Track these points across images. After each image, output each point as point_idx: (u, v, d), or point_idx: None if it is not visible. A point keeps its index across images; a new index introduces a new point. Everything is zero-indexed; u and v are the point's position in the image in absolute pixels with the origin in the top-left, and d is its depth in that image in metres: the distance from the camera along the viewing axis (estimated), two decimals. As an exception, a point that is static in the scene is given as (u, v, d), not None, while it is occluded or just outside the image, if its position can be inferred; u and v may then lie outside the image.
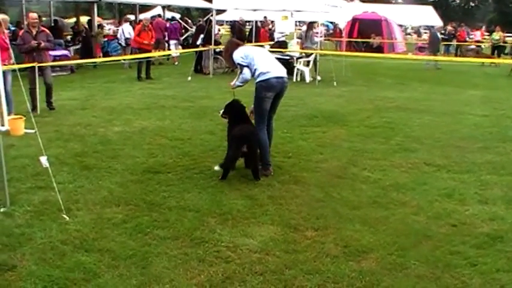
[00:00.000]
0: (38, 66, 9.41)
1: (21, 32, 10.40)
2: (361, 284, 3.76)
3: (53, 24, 19.06)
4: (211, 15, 16.70)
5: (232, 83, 6.36)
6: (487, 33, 31.69)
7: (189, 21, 26.63)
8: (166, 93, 12.51)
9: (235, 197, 5.38)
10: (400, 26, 33.92)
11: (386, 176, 6.25)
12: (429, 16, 39.41)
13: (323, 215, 4.98)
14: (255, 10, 17.84)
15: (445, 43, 25.52)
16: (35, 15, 9.97)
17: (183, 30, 22.71)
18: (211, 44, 15.93)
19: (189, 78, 15.12)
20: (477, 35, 30.41)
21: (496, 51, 24.78)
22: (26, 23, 12.20)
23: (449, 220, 4.94)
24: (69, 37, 19.72)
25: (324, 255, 4.17)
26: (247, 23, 24.85)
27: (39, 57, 9.51)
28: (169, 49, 20.29)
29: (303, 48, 16.33)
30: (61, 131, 8.18)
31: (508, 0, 56.26)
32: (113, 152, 7.02)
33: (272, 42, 19.57)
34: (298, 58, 15.97)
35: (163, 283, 3.69)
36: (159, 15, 22.04)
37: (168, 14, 26.36)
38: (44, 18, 17.12)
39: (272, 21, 24.36)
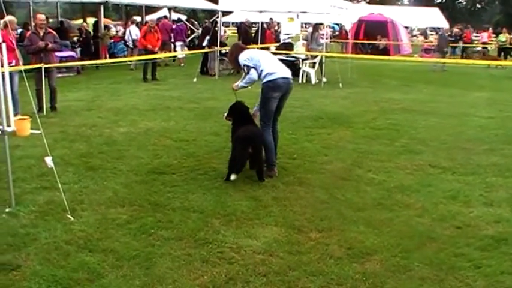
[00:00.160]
0: (44, 68, 9.46)
1: (28, 33, 10.46)
2: (365, 285, 3.76)
3: (59, 26, 19.14)
4: (218, 17, 16.73)
5: (235, 85, 6.36)
6: (494, 35, 31.55)
7: (196, 22, 26.68)
8: (172, 94, 12.54)
9: (240, 198, 5.39)
10: (406, 27, 33.87)
11: (391, 178, 6.24)
12: (435, 18, 39.38)
13: (327, 217, 4.98)
14: (261, 12, 17.81)
15: (452, 45, 25.42)
16: (42, 16, 10.04)
17: (189, 32, 22.74)
18: (217, 46, 15.95)
19: (195, 79, 15.15)
20: (484, 36, 30.29)
21: (502, 53, 24.67)
22: (33, 24, 12.25)
23: (454, 222, 4.93)
24: (75, 38, 19.78)
25: (328, 256, 4.16)
26: (253, 25, 24.85)
27: (46, 58, 9.56)
28: (175, 50, 20.33)
29: (308, 50, 16.33)
30: (66, 131, 8.21)
31: (514, 1, 56.02)
32: (118, 153, 7.04)
33: (278, 44, 19.56)
34: (303, 60, 15.97)
35: (167, 283, 3.70)
36: (165, 17, 22.09)
37: (174, 16, 26.42)
38: (50, 20, 17.20)
39: (278, 23, 24.32)
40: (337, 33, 31.38)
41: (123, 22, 26.95)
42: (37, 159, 6.26)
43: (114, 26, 27.47)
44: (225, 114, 6.36)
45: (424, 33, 37.38)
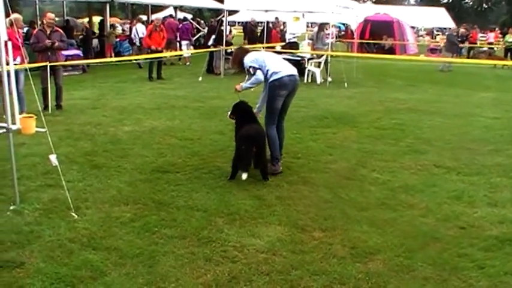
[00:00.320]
0: (50, 67, 9.49)
1: (35, 31, 10.50)
2: (368, 285, 3.75)
3: (65, 24, 19.20)
4: (223, 16, 16.73)
5: (239, 86, 6.35)
6: (501, 35, 31.41)
7: (202, 21, 26.69)
8: (177, 93, 12.56)
9: (243, 197, 5.39)
10: (413, 27, 33.78)
11: (395, 178, 6.23)
12: (442, 18, 39.26)
13: (331, 216, 4.98)
14: (266, 11, 17.83)
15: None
16: (52, 15, 10.10)
17: (195, 31, 22.75)
18: (222, 45, 15.95)
19: (200, 78, 15.17)
20: (491, 36, 30.17)
21: (509, 54, 24.55)
22: (40, 22, 12.29)
23: (458, 222, 4.91)
24: (81, 37, 19.84)
25: (331, 256, 4.16)
26: (259, 24, 24.87)
27: (53, 56, 9.60)
28: (181, 49, 20.36)
29: (314, 49, 16.31)
30: (71, 129, 8.24)
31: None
32: (123, 151, 7.06)
33: (283, 43, 19.56)
34: (309, 59, 15.95)
35: (170, 282, 3.71)
36: (171, 16, 22.12)
37: (180, 15, 26.45)
38: (56, 19, 17.24)
39: (284, 22, 24.33)
40: (343, 33, 31.33)
41: (131, 21, 27.05)
42: (42, 157, 6.28)
43: (121, 24, 27.58)
44: (229, 113, 6.37)
45: (430, 33, 37.31)
